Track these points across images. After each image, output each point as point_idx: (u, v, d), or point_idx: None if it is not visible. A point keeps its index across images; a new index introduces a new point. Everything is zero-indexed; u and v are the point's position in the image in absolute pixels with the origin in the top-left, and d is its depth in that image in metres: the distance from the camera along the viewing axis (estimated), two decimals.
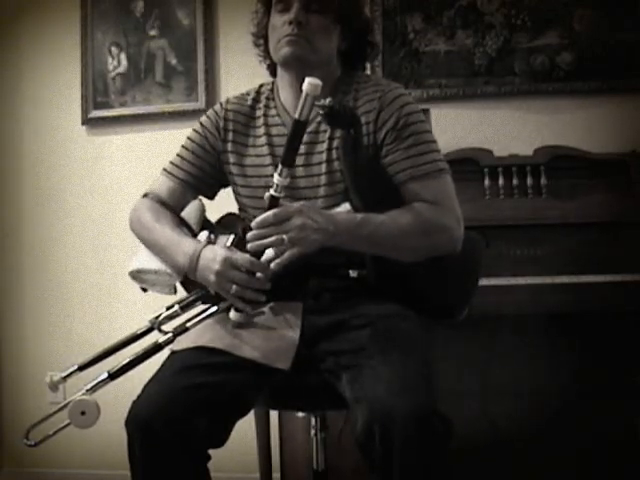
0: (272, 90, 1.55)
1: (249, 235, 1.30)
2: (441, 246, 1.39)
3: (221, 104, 1.57)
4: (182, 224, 1.49)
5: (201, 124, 1.56)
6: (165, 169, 1.56)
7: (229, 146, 1.53)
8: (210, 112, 1.57)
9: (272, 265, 1.29)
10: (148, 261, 1.47)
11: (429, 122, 2.08)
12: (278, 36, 1.45)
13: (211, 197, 1.60)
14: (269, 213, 1.29)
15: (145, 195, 1.55)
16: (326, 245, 1.32)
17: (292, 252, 1.28)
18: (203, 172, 1.54)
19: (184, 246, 1.40)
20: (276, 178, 1.29)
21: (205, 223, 1.56)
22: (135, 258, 1.50)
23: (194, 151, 1.55)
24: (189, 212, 1.54)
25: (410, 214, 1.37)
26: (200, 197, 1.59)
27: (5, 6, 2.82)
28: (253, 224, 1.30)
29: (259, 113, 1.53)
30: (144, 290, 1.53)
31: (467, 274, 1.49)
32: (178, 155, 1.56)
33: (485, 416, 2.22)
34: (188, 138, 1.57)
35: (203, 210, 1.58)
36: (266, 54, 1.55)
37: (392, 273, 1.41)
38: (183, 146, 1.56)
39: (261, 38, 1.55)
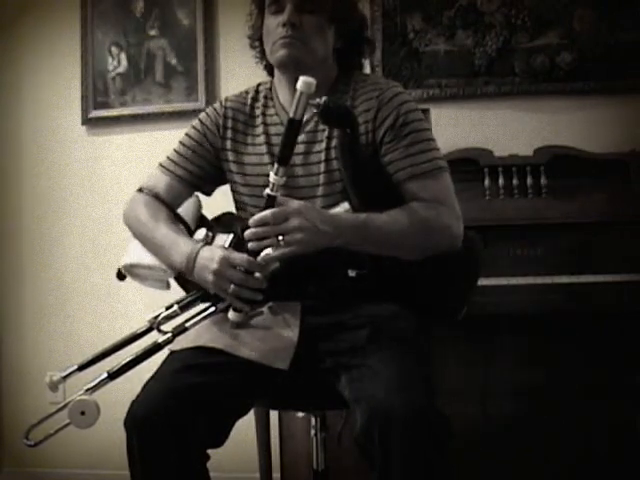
0: (270, 89, 1.55)
1: (247, 234, 1.30)
2: (441, 244, 1.39)
3: (221, 102, 1.56)
4: (178, 221, 1.49)
5: (200, 121, 1.55)
6: (162, 164, 1.55)
7: (228, 144, 1.53)
8: (210, 109, 1.56)
9: (259, 257, 1.29)
10: (141, 256, 1.46)
11: (429, 122, 2.08)
12: (273, 38, 1.44)
13: (208, 194, 1.60)
14: (267, 212, 1.28)
15: (140, 190, 1.53)
16: (327, 246, 1.32)
17: (285, 250, 1.28)
18: (201, 169, 1.53)
19: (181, 245, 1.40)
20: (272, 177, 1.29)
21: (202, 220, 1.56)
22: (127, 252, 1.49)
23: (192, 148, 1.53)
24: (186, 208, 1.53)
25: (410, 213, 1.37)
26: (197, 193, 1.58)
27: (5, 6, 2.82)
28: (250, 222, 1.30)
29: (258, 112, 1.53)
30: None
31: (466, 273, 1.50)
32: (175, 151, 1.55)
33: (485, 416, 2.22)
34: (187, 135, 1.55)
35: (200, 207, 1.57)
36: (262, 55, 1.54)
37: (392, 273, 1.41)
38: (181, 142, 1.55)
39: (256, 40, 1.54)
